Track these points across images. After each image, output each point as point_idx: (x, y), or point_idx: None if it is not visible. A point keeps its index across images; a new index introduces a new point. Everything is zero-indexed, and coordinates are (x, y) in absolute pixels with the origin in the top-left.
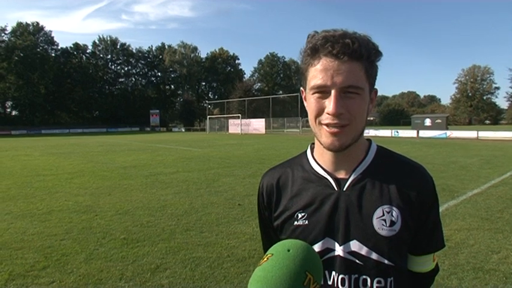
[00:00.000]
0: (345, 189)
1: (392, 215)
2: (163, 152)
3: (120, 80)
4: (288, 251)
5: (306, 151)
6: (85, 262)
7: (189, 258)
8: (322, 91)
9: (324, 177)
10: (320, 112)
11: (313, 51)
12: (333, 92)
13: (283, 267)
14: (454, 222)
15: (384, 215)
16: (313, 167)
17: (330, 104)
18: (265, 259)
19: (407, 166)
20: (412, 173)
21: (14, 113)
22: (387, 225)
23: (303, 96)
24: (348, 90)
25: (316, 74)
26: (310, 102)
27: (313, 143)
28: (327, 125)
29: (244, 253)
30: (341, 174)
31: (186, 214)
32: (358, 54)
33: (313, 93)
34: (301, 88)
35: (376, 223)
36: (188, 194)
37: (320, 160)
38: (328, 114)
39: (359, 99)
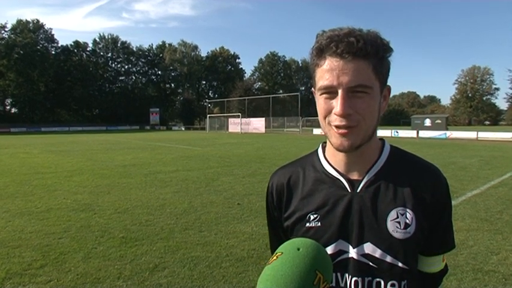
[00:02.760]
0: (358, 190)
1: (406, 217)
2: (162, 151)
3: (120, 78)
4: (298, 249)
5: (317, 150)
6: (83, 261)
7: (188, 257)
8: (330, 91)
9: (337, 178)
10: (328, 113)
11: (319, 51)
12: (339, 92)
13: (293, 266)
14: (454, 223)
15: (398, 217)
16: (325, 167)
17: (337, 105)
18: (274, 257)
19: (422, 167)
20: (426, 174)
21: (13, 110)
22: (401, 227)
23: (315, 96)
24: (356, 89)
25: (323, 74)
26: (319, 103)
27: (325, 142)
28: (336, 126)
29: (243, 253)
30: (354, 176)
31: (185, 213)
32: (363, 52)
33: (321, 94)
34: (312, 89)
35: (390, 225)
36: (187, 192)
37: (332, 160)
38: (336, 115)
39: (368, 98)
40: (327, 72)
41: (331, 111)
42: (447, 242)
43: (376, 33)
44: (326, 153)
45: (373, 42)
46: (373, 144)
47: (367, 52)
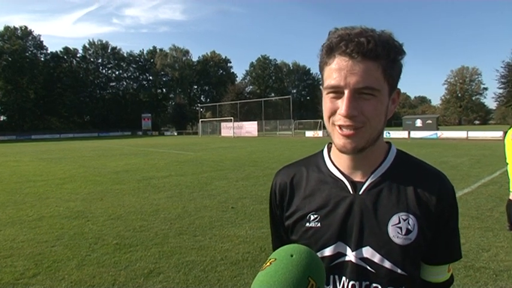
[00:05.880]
0: (360, 193)
1: (408, 223)
2: (155, 156)
3: (111, 84)
4: (291, 256)
5: (322, 151)
6: (77, 268)
7: (183, 262)
8: (336, 91)
9: (340, 179)
10: (333, 113)
11: (329, 49)
12: (346, 92)
13: (286, 272)
14: None
15: (399, 222)
16: (329, 168)
17: (342, 105)
18: (268, 263)
19: (427, 172)
20: (431, 180)
21: (2, 118)
22: (403, 233)
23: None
24: (363, 91)
25: (331, 73)
26: (325, 102)
27: (331, 143)
28: (340, 126)
29: (238, 256)
30: (357, 177)
31: (179, 218)
32: (373, 53)
33: (327, 93)
34: (321, 87)
35: (391, 230)
36: (181, 197)
37: (337, 161)
38: (340, 115)
39: (374, 101)
40: (334, 72)
41: (336, 111)
42: (452, 251)
43: (389, 35)
44: (331, 154)
45: (384, 43)
46: (379, 147)
47: (377, 53)
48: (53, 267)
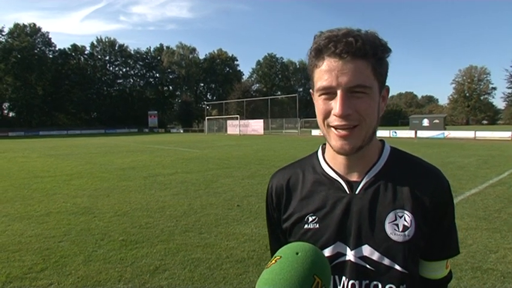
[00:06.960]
0: (357, 192)
1: (405, 219)
2: (161, 153)
3: (118, 81)
4: (297, 253)
5: (316, 152)
6: (83, 264)
7: (188, 259)
8: (328, 92)
9: (336, 180)
10: (328, 114)
11: (317, 52)
12: (338, 92)
13: (292, 270)
14: None
15: (396, 219)
16: (325, 169)
17: (336, 105)
18: (273, 261)
19: (422, 169)
20: (426, 176)
21: (11, 114)
22: (399, 230)
23: (313, 98)
24: (355, 89)
25: (321, 75)
26: (317, 104)
27: (325, 144)
28: (336, 127)
29: (244, 254)
30: (353, 177)
31: (185, 215)
32: (362, 52)
33: (319, 95)
34: (311, 90)
35: (388, 228)
36: (187, 195)
37: (331, 162)
38: (335, 116)
39: (367, 99)
40: (325, 73)
41: (330, 113)
42: (449, 246)
43: (375, 34)
44: (326, 155)
45: (371, 42)
46: (373, 146)
47: (366, 52)
48: (60, 263)
